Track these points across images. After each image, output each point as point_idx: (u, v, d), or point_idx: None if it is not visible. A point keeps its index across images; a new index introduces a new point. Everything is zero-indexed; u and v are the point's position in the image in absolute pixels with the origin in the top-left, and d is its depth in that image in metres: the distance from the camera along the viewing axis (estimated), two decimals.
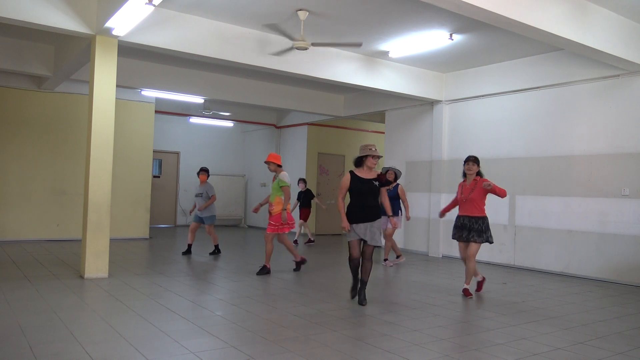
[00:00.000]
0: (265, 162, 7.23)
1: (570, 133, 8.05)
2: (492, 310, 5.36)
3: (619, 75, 7.48)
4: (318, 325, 4.57)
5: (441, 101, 9.98)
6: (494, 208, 9.00)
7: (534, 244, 8.41)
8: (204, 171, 9.06)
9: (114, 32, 6.23)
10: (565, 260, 7.99)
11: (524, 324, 4.85)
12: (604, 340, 4.38)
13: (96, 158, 6.47)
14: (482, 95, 9.36)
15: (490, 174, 9.11)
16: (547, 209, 8.25)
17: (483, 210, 6.03)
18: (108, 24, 5.97)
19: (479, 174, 6.10)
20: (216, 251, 8.97)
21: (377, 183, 5.46)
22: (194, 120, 14.35)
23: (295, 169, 14.01)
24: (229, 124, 14.97)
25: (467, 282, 6.13)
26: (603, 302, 6.05)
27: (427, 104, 10.37)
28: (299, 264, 7.55)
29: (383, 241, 5.32)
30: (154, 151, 12.22)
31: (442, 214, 6.54)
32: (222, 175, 15.16)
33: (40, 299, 5.22)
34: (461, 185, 6.20)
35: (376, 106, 11.48)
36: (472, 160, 6.07)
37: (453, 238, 6.19)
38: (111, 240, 6.93)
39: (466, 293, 6.06)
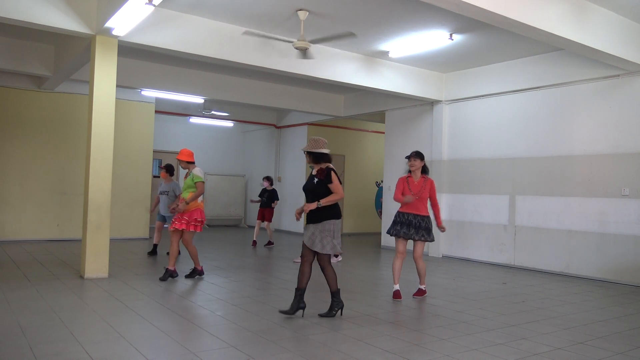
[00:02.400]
0: (177, 159, 6.70)
1: (570, 133, 8.05)
2: (492, 310, 5.36)
3: (619, 75, 7.48)
4: (318, 325, 4.57)
5: (441, 101, 9.98)
6: (494, 208, 9.04)
7: (534, 244, 8.41)
8: (165, 169, 8.67)
9: (114, 32, 6.23)
10: (565, 260, 7.99)
11: (524, 324, 4.85)
12: (604, 340, 4.38)
13: (96, 158, 6.47)
14: (482, 95, 9.36)
15: (490, 174, 9.16)
16: (547, 209, 8.25)
17: (427, 209, 5.93)
18: (108, 24, 5.97)
19: (425, 170, 5.95)
20: (167, 253, 8.46)
21: (315, 180, 4.89)
22: (194, 120, 14.35)
23: (295, 169, 14.04)
24: (229, 124, 14.98)
25: (423, 281, 6.01)
26: (603, 302, 6.05)
27: (427, 104, 10.37)
28: (195, 273, 6.76)
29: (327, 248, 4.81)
30: (154, 151, 12.21)
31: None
32: (222, 175, 15.18)
33: (40, 299, 5.22)
34: (405, 181, 5.91)
35: (376, 106, 11.48)
36: (414, 155, 5.90)
37: (396, 235, 5.83)
38: (111, 240, 6.93)
39: (422, 293, 5.97)
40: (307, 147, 4.96)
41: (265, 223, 10.57)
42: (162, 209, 8.66)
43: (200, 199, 6.61)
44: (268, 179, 10.82)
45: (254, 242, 10.62)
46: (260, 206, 10.65)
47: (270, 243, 10.69)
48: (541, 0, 5.72)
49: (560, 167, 8.12)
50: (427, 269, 7.95)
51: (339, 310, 4.92)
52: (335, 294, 4.89)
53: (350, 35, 6.92)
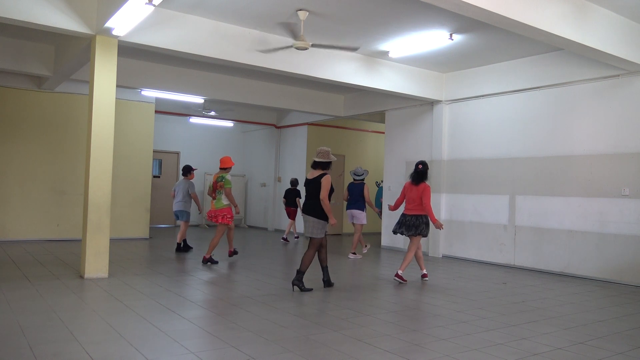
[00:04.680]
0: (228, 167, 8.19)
1: (570, 133, 8.05)
2: (492, 310, 5.36)
3: (619, 75, 7.48)
4: (318, 325, 4.57)
5: (441, 101, 9.98)
6: (494, 208, 9.04)
7: (534, 244, 8.41)
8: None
9: (114, 32, 6.23)
10: (565, 260, 7.99)
11: (524, 324, 4.85)
12: (604, 340, 4.38)
13: (96, 158, 6.47)
14: (482, 95, 9.36)
15: (490, 174, 9.16)
16: (547, 209, 8.25)
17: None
18: (108, 24, 5.97)
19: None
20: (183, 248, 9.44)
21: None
22: (194, 120, 14.35)
23: (295, 169, 14.03)
24: (229, 124, 14.98)
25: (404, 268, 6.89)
26: (603, 302, 6.05)
27: (427, 104, 10.37)
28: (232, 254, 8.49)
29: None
30: (154, 151, 12.21)
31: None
32: None
33: (40, 299, 5.22)
34: (404, 187, 6.99)
35: (376, 106, 11.48)
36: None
37: (395, 232, 6.97)
38: (111, 240, 6.93)
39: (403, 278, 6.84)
40: (331, 158, 6.09)
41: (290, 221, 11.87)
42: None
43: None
44: (292, 180, 11.94)
45: (295, 238, 12.08)
46: (286, 205, 11.85)
47: (286, 240, 11.70)
48: (541, 0, 5.72)
49: (560, 167, 8.12)
50: (427, 268, 7.98)
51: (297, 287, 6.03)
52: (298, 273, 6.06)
53: (355, 49, 7.09)
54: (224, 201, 8.00)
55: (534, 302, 5.87)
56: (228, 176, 8.05)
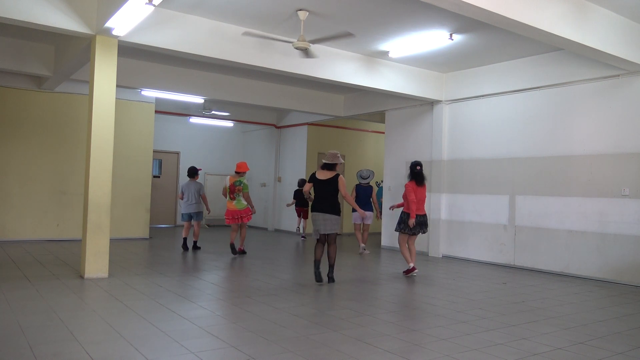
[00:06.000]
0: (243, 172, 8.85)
1: (570, 133, 8.05)
2: (492, 310, 5.36)
3: (619, 75, 7.48)
4: (318, 325, 4.57)
5: (441, 101, 9.98)
6: (494, 208, 9.04)
7: (534, 244, 8.41)
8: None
9: (114, 32, 6.23)
10: (565, 260, 7.99)
11: (524, 324, 4.85)
12: (604, 340, 4.38)
13: (96, 158, 6.47)
14: (482, 95, 9.36)
15: (490, 174, 9.16)
16: (547, 209, 8.24)
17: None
18: (108, 24, 5.97)
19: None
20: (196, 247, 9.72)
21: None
22: (194, 120, 14.35)
23: (295, 169, 14.03)
24: (229, 124, 14.98)
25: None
26: (603, 302, 6.05)
27: (427, 104, 10.37)
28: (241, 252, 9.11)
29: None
30: (154, 151, 12.21)
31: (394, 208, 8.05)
32: (222, 176, 15.17)
33: (40, 299, 5.22)
34: (412, 187, 7.30)
35: (376, 106, 11.48)
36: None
37: (411, 233, 7.35)
38: (111, 240, 6.93)
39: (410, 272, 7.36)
40: (339, 160, 6.60)
41: (302, 219, 12.49)
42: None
43: (228, 198, 8.92)
44: (300, 181, 12.47)
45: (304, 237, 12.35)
46: (297, 205, 12.44)
47: (304, 237, 12.37)
48: (541, 0, 5.72)
49: (560, 167, 8.12)
50: (427, 268, 8.00)
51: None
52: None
53: (349, 35, 6.96)
54: (244, 202, 8.85)
55: (534, 302, 5.87)
56: (245, 180, 8.86)
